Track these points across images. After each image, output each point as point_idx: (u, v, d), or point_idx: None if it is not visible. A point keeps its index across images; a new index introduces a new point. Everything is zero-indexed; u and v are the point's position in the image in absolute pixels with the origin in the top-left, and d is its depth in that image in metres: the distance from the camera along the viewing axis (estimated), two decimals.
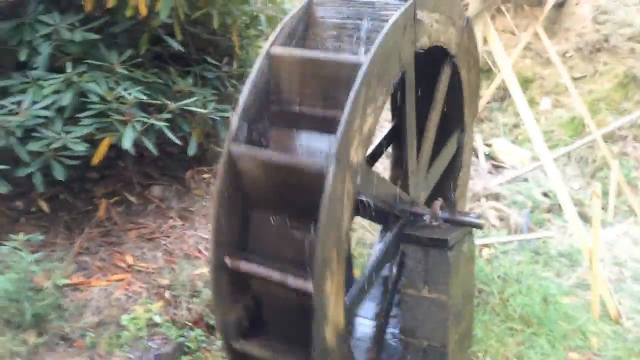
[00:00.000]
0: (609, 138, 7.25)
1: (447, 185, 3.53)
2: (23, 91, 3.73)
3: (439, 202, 2.93)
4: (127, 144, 3.59)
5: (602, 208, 6.28)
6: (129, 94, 3.62)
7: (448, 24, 2.95)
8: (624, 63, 7.72)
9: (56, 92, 3.69)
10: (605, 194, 6.69)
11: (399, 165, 3.08)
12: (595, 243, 4.13)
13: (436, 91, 3.07)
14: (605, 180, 7.01)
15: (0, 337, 3.42)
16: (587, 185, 7.16)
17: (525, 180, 6.82)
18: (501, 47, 4.34)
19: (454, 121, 3.47)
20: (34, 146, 3.56)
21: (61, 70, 3.82)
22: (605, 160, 7.00)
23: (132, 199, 4.68)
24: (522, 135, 8.14)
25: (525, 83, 8.41)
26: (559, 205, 6.42)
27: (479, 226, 2.91)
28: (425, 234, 2.82)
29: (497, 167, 7.20)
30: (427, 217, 2.95)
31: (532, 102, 8.51)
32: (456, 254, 2.85)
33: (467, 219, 2.88)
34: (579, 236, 4.32)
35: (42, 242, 3.87)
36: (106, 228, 4.43)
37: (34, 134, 3.62)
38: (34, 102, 3.67)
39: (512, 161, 7.35)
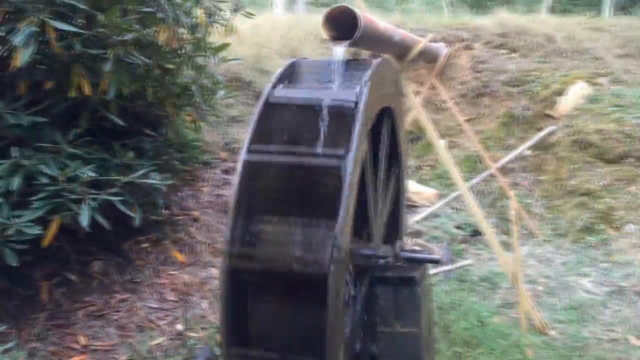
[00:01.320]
0: (500, 171, 8.14)
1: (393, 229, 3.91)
2: None
3: (399, 244, 3.28)
4: (84, 221, 3.61)
5: (505, 234, 7.05)
6: (82, 173, 3.66)
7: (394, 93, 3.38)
8: (504, 105, 8.79)
9: None
10: (505, 220, 7.51)
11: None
12: (517, 263, 4.71)
13: (381, 144, 3.44)
14: (502, 209, 7.86)
15: None
16: (488, 215, 7.95)
17: (437, 216, 7.45)
18: (417, 101, 4.91)
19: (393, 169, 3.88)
20: None
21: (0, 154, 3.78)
22: (501, 191, 7.85)
23: (73, 277, 4.59)
24: (425, 176, 8.90)
25: (422, 128, 9.25)
26: (471, 236, 7.13)
27: (437, 261, 3.28)
28: (394, 274, 3.15)
29: (410, 207, 7.79)
30: (390, 259, 3.29)
31: (429, 145, 9.36)
32: (421, 289, 3.19)
33: (426, 256, 3.25)
34: (502, 258, 4.87)
35: None
36: (52, 311, 4.30)
37: None
38: None
39: (421, 200, 7.98)
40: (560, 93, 8.44)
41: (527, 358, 4.42)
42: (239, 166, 2.59)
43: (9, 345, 3.36)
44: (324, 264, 2.40)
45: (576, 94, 8.41)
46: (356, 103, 2.63)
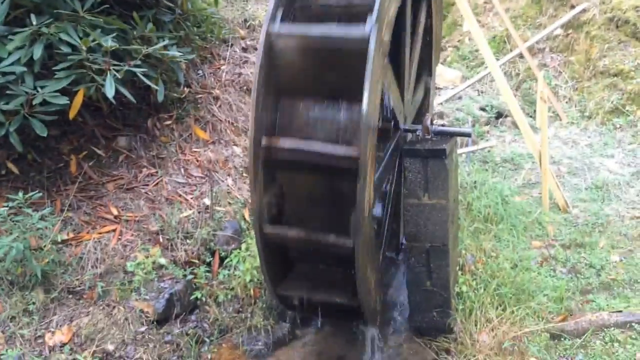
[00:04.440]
0: (529, 51, 7.82)
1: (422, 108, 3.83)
2: None
3: (429, 117, 3.22)
4: (109, 92, 3.55)
5: (530, 116, 6.93)
6: (106, 41, 3.55)
7: None
8: None
9: (20, 47, 3.55)
10: (530, 103, 7.35)
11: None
12: (544, 141, 4.65)
13: (417, 25, 3.29)
14: (527, 91, 7.66)
15: (10, 298, 3.44)
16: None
17: (460, 98, 7.30)
18: None
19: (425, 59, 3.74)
20: (10, 105, 3.45)
21: (17, 23, 3.66)
22: (527, 73, 7.61)
23: (100, 152, 4.62)
24: (448, 57, 8.61)
25: (447, 7, 8.79)
26: (495, 118, 7.02)
27: (468, 134, 3.24)
28: (423, 146, 3.12)
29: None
30: (419, 132, 3.24)
31: (454, 25, 8.96)
32: (450, 162, 3.18)
33: (456, 129, 3.20)
34: (528, 138, 4.80)
35: (20, 203, 3.80)
36: (82, 183, 4.38)
37: (6, 92, 3.49)
38: None
39: (444, 82, 7.78)
40: None
41: (548, 233, 4.50)
42: None
43: (44, 211, 3.46)
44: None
45: None
46: None
